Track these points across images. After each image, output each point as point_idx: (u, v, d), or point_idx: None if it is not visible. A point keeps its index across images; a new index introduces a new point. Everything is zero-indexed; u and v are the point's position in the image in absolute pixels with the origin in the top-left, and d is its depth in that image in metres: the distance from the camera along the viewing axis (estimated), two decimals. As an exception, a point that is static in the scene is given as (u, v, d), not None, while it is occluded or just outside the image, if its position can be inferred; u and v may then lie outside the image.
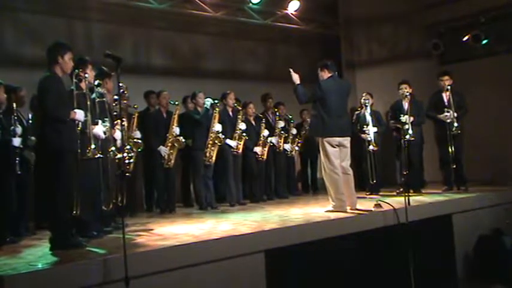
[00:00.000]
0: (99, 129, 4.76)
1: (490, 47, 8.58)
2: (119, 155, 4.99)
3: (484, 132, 8.25)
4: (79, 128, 4.43)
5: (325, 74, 5.91)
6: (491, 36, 8.51)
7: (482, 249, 6.32)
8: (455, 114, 7.11)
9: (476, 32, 8.51)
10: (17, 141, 5.08)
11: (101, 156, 4.64)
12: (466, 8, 8.60)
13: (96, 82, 4.93)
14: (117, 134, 5.20)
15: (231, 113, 7.41)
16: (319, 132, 5.89)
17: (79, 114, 4.38)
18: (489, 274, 6.16)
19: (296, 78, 5.83)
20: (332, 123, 5.75)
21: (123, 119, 5.29)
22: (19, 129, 5.16)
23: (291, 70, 5.85)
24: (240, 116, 7.38)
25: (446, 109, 7.17)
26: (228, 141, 7.21)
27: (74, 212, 4.34)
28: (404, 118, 7.03)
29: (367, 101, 7.61)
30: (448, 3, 8.79)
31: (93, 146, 4.51)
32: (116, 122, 5.24)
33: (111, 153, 4.96)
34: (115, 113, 5.31)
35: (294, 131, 8.41)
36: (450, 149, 7.10)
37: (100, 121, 4.84)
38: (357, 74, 10.40)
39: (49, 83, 4.25)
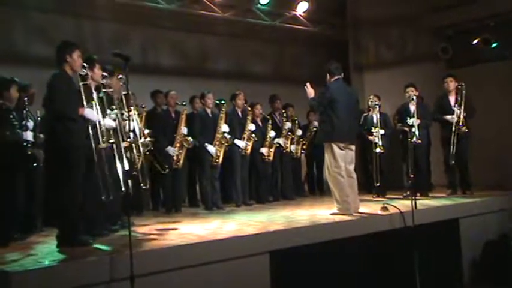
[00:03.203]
0: (109, 121, 4.73)
1: (499, 51, 8.51)
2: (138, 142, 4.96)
3: (493, 136, 8.18)
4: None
5: (331, 78, 5.93)
6: (501, 40, 8.46)
7: (489, 254, 6.28)
8: (464, 114, 7.07)
9: (485, 36, 8.47)
10: (29, 135, 5.12)
11: (113, 142, 4.63)
12: (475, 12, 8.54)
13: (104, 81, 4.95)
14: (135, 124, 5.23)
15: (240, 114, 7.43)
16: (327, 138, 5.77)
17: (89, 112, 4.39)
18: (496, 279, 6.11)
19: (310, 92, 5.92)
20: (342, 127, 5.70)
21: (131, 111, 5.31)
22: (31, 124, 5.22)
23: (308, 85, 5.94)
24: (249, 117, 7.39)
25: (455, 107, 7.12)
26: (237, 141, 7.22)
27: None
28: (411, 121, 7.01)
29: (375, 103, 7.61)
30: (457, 7, 8.74)
31: (104, 137, 4.49)
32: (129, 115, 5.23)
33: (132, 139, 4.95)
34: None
35: (299, 132, 8.40)
36: (454, 150, 7.05)
37: (108, 110, 4.80)
38: (365, 76, 10.37)
39: (58, 81, 4.27)
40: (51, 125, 4.36)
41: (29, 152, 5.13)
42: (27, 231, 5.13)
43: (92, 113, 4.44)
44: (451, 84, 7.29)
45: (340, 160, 5.72)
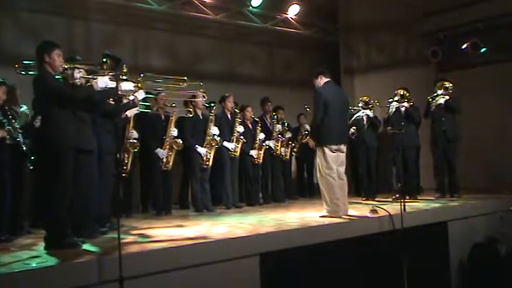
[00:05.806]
0: (103, 81, 4.39)
1: (489, 55, 8.61)
2: None
3: (482, 140, 8.27)
4: None
5: (321, 81, 5.92)
6: (491, 45, 8.55)
7: (477, 257, 6.33)
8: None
9: (475, 40, 8.55)
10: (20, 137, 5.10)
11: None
12: (465, 16, 8.63)
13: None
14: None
15: (229, 116, 7.43)
16: (321, 140, 5.79)
17: (101, 82, 4.29)
18: (483, 282, 6.16)
19: (313, 144, 5.95)
20: (334, 129, 5.73)
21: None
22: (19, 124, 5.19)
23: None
24: (238, 119, 7.40)
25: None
26: (226, 143, 7.23)
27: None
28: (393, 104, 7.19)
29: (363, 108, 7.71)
30: (448, 11, 8.83)
31: None
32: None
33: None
34: None
35: (289, 135, 8.41)
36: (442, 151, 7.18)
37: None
38: (355, 79, 10.42)
39: (47, 76, 4.23)
40: (41, 125, 4.33)
41: (26, 151, 5.11)
42: (15, 232, 5.07)
43: (104, 80, 4.28)
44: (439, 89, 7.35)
45: (332, 162, 5.74)
